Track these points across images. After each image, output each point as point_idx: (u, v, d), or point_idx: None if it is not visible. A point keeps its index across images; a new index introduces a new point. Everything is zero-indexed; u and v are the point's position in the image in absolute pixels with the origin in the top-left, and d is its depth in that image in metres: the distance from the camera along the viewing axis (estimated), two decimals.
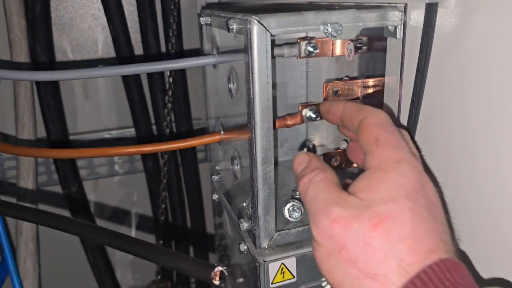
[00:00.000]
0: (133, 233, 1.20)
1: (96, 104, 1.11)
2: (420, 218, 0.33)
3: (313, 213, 0.37)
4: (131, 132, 1.12)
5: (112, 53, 1.07)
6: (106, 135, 1.11)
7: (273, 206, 0.49)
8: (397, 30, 0.47)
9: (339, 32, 0.44)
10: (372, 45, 0.58)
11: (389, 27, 0.48)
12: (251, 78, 0.44)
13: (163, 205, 1.06)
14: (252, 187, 0.49)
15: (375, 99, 0.56)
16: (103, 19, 1.03)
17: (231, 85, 0.54)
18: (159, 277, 1.09)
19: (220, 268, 0.31)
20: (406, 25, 0.47)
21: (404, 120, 0.48)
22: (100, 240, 0.38)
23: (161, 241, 1.07)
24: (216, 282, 0.31)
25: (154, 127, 1.11)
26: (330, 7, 0.49)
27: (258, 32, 0.42)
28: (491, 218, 0.40)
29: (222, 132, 0.59)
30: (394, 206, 0.33)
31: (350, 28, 0.46)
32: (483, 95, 0.39)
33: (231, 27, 0.45)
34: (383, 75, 0.57)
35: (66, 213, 1.07)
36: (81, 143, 1.10)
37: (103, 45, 1.07)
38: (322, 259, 0.36)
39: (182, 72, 1.06)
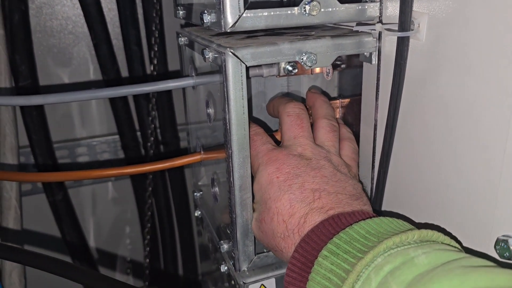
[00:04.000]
0: (121, 240, 1.20)
1: (80, 111, 1.10)
2: (274, 200, 0.44)
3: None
4: (115, 138, 1.12)
5: (94, 61, 1.06)
6: (91, 142, 1.10)
7: (251, 231, 0.50)
8: (372, 56, 0.48)
9: (313, 62, 0.45)
10: (351, 62, 0.59)
11: (365, 53, 0.49)
12: (227, 109, 0.44)
13: (149, 213, 1.06)
14: (230, 213, 0.49)
15: (353, 120, 0.57)
16: (85, 26, 1.02)
17: (209, 110, 0.54)
18: (146, 283, 1.09)
19: None
20: (381, 51, 0.47)
21: (379, 142, 0.49)
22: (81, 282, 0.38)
23: (148, 248, 1.07)
24: None
25: (138, 133, 1.11)
26: (306, 33, 0.49)
27: (233, 64, 0.43)
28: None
29: (202, 152, 0.59)
30: (260, 206, 0.47)
31: (325, 57, 0.46)
32: (454, 125, 0.40)
33: (206, 56, 0.46)
34: (357, 94, 0.57)
35: (51, 221, 1.07)
36: (65, 151, 1.09)
37: (85, 53, 1.06)
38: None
39: (165, 78, 1.05)
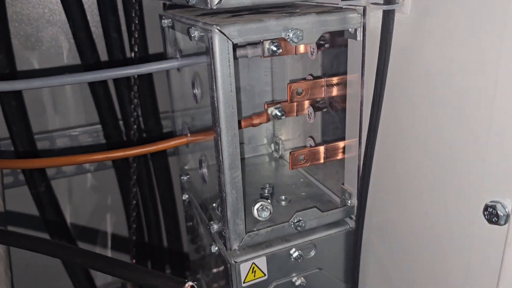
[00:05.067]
0: (107, 230, 1.19)
1: (60, 101, 1.08)
2: None
3: None
4: (97, 128, 1.10)
5: (73, 49, 1.04)
6: (72, 132, 1.08)
7: (242, 209, 0.50)
8: (357, 32, 0.48)
9: (300, 38, 0.45)
10: (334, 42, 0.59)
11: (349, 30, 0.49)
12: (214, 87, 0.44)
13: (134, 201, 1.05)
14: (220, 192, 0.49)
15: (339, 98, 0.57)
16: (62, 14, 1.00)
17: (195, 91, 0.54)
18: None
19: (190, 283, 0.32)
20: (366, 27, 0.48)
21: (367, 118, 0.50)
22: (70, 259, 0.38)
23: (134, 237, 1.06)
24: None
25: (121, 122, 1.10)
26: (291, 11, 0.49)
27: (220, 42, 0.42)
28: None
29: (189, 135, 0.59)
30: None
31: (311, 33, 0.46)
32: (440, 96, 0.40)
33: (192, 35, 0.45)
34: (342, 73, 0.58)
35: (35, 214, 1.05)
36: (46, 142, 1.07)
37: (63, 41, 1.04)
38: None
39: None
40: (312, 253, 0.55)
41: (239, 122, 0.59)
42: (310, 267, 0.56)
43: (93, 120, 1.10)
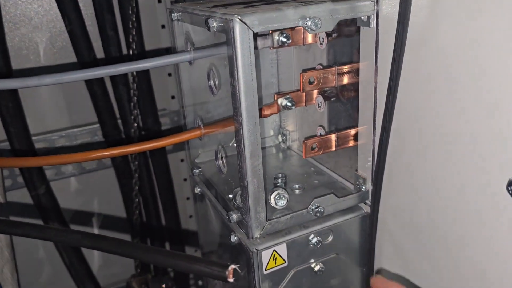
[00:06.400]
0: (109, 230, 1.19)
1: (58, 101, 1.07)
2: None
3: None
4: (95, 127, 1.10)
5: (69, 48, 1.03)
6: (71, 133, 1.07)
7: (263, 198, 0.50)
8: (371, 19, 0.49)
9: (318, 26, 0.46)
10: (343, 30, 0.60)
11: (362, 17, 0.50)
12: (236, 76, 0.44)
13: (137, 199, 1.05)
14: (241, 181, 0.50)
15: (350, 86, 0.58)
16: (57, 12, 0.99)
17: (211, 82, 0.54)
18: (138, 270, 1.09)
19: (233, 266, 0.32)
20: (379, 14, 0.49)
21: (381, 105, 0.51)
22: (100, 248, 0.38)
23: (138, 237, 1.06)
24: (231, 279, 0.32)
25: (119, 121, 1.09)
26: (305, 0, 0.50)
27: (241, 31, 0.43)
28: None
29: (203, 127, 0.59)
30: None
31: (327, 21, 0.47)
32: (456, 84, 0.42)
33: (211, 26, 0.46)
34: (352, 61, 0.59)
35: (35, 216, 1.04)
36: (45, 143, 1.06)
37: (58, 41, 1.03)
38: None
39: None
40: (330, 238, 0.56)
41: None
42: (327, 252, 0.57)
43: (91, 119, 1.09)
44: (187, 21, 0.56)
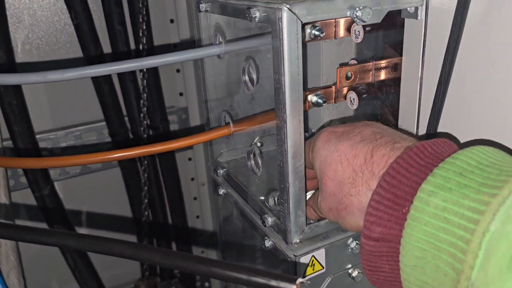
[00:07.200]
0: (115, 232, 1.15)
1: (62, 98, 1.03)
2: (334, 150, 0.42)
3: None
4: (101, 126, 1.06)
5: (75, 43, 0.99)
6: (76, 131, 1.03)
7: (303, 200, 0.47)
8: (418, 11, 0.46)
9: (369, 16, 0.43)
10: (374, 25, 0.57)
11: (408, 9, 0.47)
12: (282, 70, 0.41)
13: (146, 200, 1.01)
14: (282, 183, 0.47)
15: (390, 81, 0.56)
16: (64, 7, 0.95)
17: (246, 77, 0.51)
18: (146, 273, 1.05)
19: (300, 280, 0.29)
20: (428, 5, 0.46)
21: (428, 99, 0.48)
22: (138, 257, 0.34)
23: (146, 238, 1.02)
24: None
25: (126, 119, 1.05)
26: None
27: (289, 21, 0.40)
28: None
29: (232, 125, 0.56)
30: (322, 165, 0.43)
31: (376, 12, 0.44)
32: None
33: (253, 16, 0.42)
34: (388, 55, 0.56)
35: (39, 218, 1.00)
36: (50, 143, 1.02)
37: (64, 35, 0.99)
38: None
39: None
40: None
41: None
42: None
43: (96, 117, 1.05)
44: (217, 12, 0.53)
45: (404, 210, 0.33)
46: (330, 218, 0.45)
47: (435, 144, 0.36)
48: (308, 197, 0.50)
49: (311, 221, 0.50)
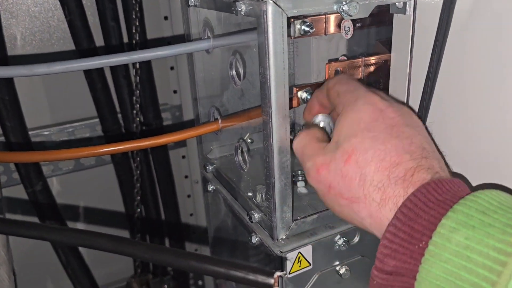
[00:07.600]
0: (108, 228, 1.14)
1: (56, 95, 1.02)
2: (380, 141, 0.38)
3: (304, 167, 0.43)
4: (95, 122, 1.05)
5: (69, 39, 0.98)
6: (69, 128, 1.03)
7: (289, 196, 0.47)
8: (407, 6, 0.46)
9: (356, 10, 0.42)
10: (365, 20, 0.57)
11: (396, 4, 0.47)
12: (267, 64, 0.41)
13: (138, 197, 1.01)
14: (268, 178, 0.46)
15: (379, 78, 0.55)
16: (57, 3, 0.94)
17: (233, 72, 0.51)
18: (139, 270, 1.05)
19: (278, 273, 0.29)
20: (416, 1, 0.46)
21: (415, 96, 0.48)
22: (122, 252, 0.34)
23: (139, 235, 1.02)
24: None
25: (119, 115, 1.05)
26: None
27: (274, 14, 0.39)
28: None
29: (220, 121, 0.56)
30: (356, 139, 0.39)
31: (364, 6, 0.44)
32: (503, 77, 0.39)
33: (239, 9, 0.42)
34: (377, 52, 0.56)
35: (31, 214, 1.00)
36: (42, 139, 1.02)
37: (58, 31, 0.99)
38: (322, 199, 0.42)
39: None
40: (356, 239, 0.53)
41: None
42: (353, 254, 0.54)
43: (89, 114, 1.05)
44: (206, 7, 0.53)
45: (421, 245, 0.32)
46: (320, 183, 0.41)
47: (452, 182, 0.35)
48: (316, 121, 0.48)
49: (298, 217, 0.50)
